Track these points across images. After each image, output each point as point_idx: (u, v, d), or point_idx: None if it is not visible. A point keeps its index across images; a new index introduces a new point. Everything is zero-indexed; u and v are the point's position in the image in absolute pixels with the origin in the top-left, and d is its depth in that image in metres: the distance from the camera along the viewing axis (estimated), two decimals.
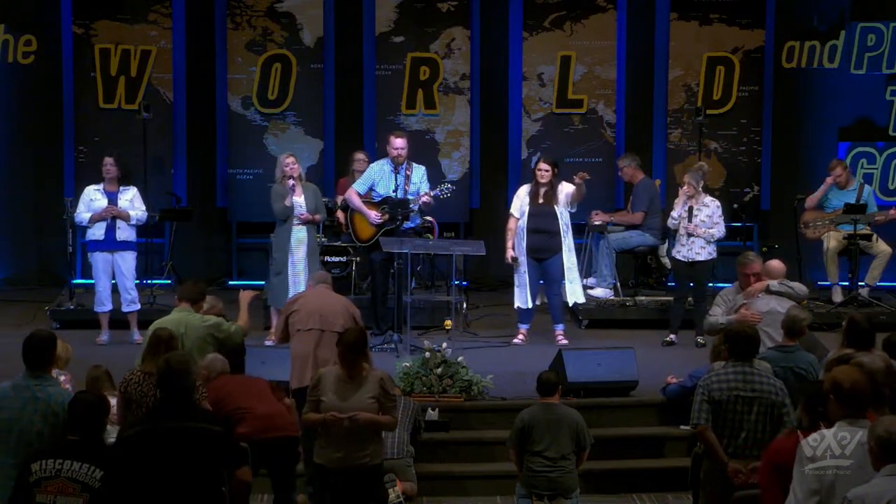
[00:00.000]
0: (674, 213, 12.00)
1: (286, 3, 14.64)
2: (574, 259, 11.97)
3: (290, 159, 11.82)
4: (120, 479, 5.95)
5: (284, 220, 11.75)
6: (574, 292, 11.93)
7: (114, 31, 14.46)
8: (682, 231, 11.92)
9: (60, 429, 6.42)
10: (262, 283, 12.86)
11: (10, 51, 14.64)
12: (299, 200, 11.73)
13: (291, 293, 11.43)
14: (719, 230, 11.94)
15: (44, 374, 6.62)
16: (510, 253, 11.93)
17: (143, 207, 12.10)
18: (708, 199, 12.06)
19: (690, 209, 11.89)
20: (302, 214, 11.69)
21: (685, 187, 12.00)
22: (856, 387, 5.76)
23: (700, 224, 11.87)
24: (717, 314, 9.66)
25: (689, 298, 12.18)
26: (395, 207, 11.76)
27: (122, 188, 12.01)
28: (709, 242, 11.90)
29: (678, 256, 12.03)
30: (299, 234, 11.73)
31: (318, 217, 11.85)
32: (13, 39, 14.62)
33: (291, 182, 11.67)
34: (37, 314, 12.97)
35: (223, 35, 14.74)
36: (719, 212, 11.98)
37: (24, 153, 14.83)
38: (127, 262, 11.93)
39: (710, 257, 11.98)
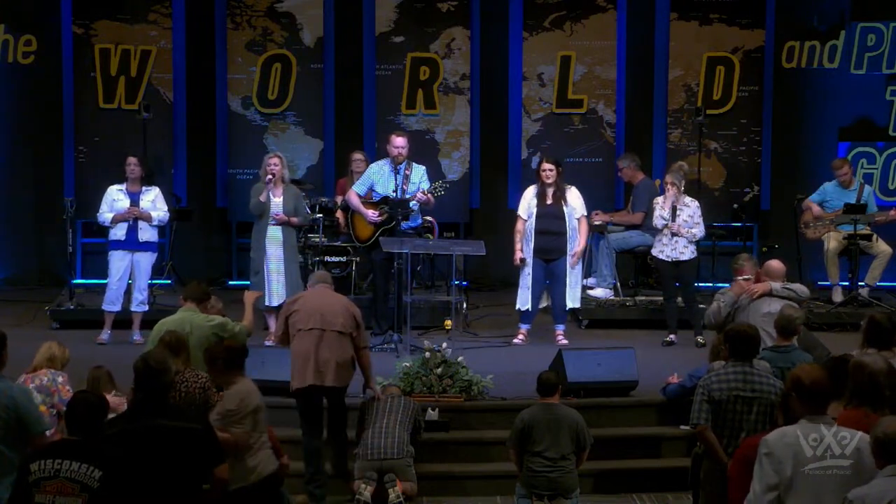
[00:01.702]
0: (664, 214, 11.99)
1: (286, 3, 14.64)
2: (579, 265, 11.95)
3: (274, 160, 11.87)
4: (119, 479, 5.95)
5: (259, 216, 11.78)
6: (571, 296, 11.92)
7: (114, 31, 14.47)
8: (665, 231, 11.95)
9: (13, 424, 6.55)
10: None
11: (10, 51, 14.65)
12: (277, 201, 11.75)
13: (267, 292, 11.54)
14: (700, 230, 11.98)
15: None
16: (518, 255, 11.92)
17: (165, 208, 12.15)
18: (688, 199, 12.10)
19: (674, 208, 11.92)
20: (277, 214, 11.72)
21: (669, 187, 12.02)
22: (816, 384, 5.79)
23: (682, 224, 11.90)
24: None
25: (679, 299, 12.19)
26: (394, 207, 11.76)
27: (144, 188, 12.05)
28: (691, 242, 11.93)
29: (661, 256, 12.06)
30: (273, 234, 11.75)
31: (294, 220, 11.84)
32: (13, 39, 14.63)
33: (269, 178, 11.70)
34: (37, 314, 12.98)
35: (223, 35, 14.75)
36: (699, 212, 12.02)
37: (24, 153, 14.84)
38: (147, 262, 12.00)
39: (693, 256, 12.03)
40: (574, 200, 11.90)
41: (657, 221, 12.07)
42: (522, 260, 11.90)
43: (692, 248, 12.01)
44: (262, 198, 11.73)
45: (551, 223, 11.84)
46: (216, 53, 14.85)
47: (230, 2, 14.63)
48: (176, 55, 14.69)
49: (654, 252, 12.17)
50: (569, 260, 11.83)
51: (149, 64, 14.52)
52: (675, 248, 11.96)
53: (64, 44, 14.66)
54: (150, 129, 14.03)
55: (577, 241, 11.85)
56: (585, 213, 12.01)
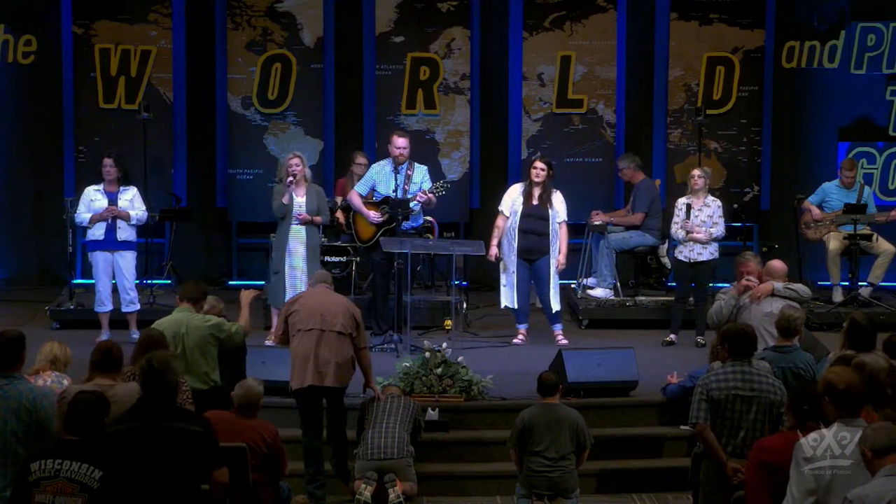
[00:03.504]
0: (680, 224, 11.95)
1: (286, 3, 14.63)
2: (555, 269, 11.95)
3: (295, 160, 11.81)
4: (119, 479, 5.95)
5: (282, 218, 11.75)
6: (555, 299, 11.90)
7: (114, 31, 14.46)
8: (682, 231, 11.94)
9: (34, 426, 6.51)
10: (262, 283, 12.88)
11: (10, 51, 14.64)
12: (300, 200, 11.73)
13: (289, 293, 11.45)
14: (719, 230, 11.96)
15: (12, 373, 6.65)
16: (493, 251, 11.91)
17: (143, 207, 12.11)
18: (709, 198, 12.09)
19: (689, 207, 11.91)
20: (300, 214, 11.69)
21: (697, 179, 11.97)
22: (850, 387, 5.78)
23: (700, 224, 11.88)
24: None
25: (690, 299, 12.19)
26: (395, 207, 11.76)
27: (121, 188, 12.02)
28: (709, 242, 11.92)
29: (680, 257, 12.04)
30: (297, 234, 11.71)
31: (317, 219, 11.82)
32: (13, 39, 14.62)
33: (290, 180, 11.67)
34: (37, 314, 12.98)
35: (223, 35, 14.74)
36: (720, 212, 12.01)
37: (24, 153, 14.83)
38: (127, 261, 11.94)
39: (712, 257, 12.00)
40: (558, 205, 11.89)
41: (674, 234, 12.03)
42: (499, 258, 11.90)
43: (711, 248, 11.96)
44: (285, 199, 11.70)
45: (536, 224, 11.83)
46: (216, 53, 14.84)
47: (230, 2, 14.62)
48: (176, 55, 14.68)
49: (675, 252, 12.16)
50: (553, 265, 11.81)
51: (149, 64, 14.51)
52: (693, 249, 11.94)
53: (64, 44, 14.64)
54: (150, 129, 14.01)
55: (557, 245, 11.84)
56: (566, 219, 11.98)
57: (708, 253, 11.95)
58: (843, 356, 7.25)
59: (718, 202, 12.11)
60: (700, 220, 11.92)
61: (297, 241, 11.72)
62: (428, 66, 14.74)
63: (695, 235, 11.89)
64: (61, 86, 14.72)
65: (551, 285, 11.82)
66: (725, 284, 10.67)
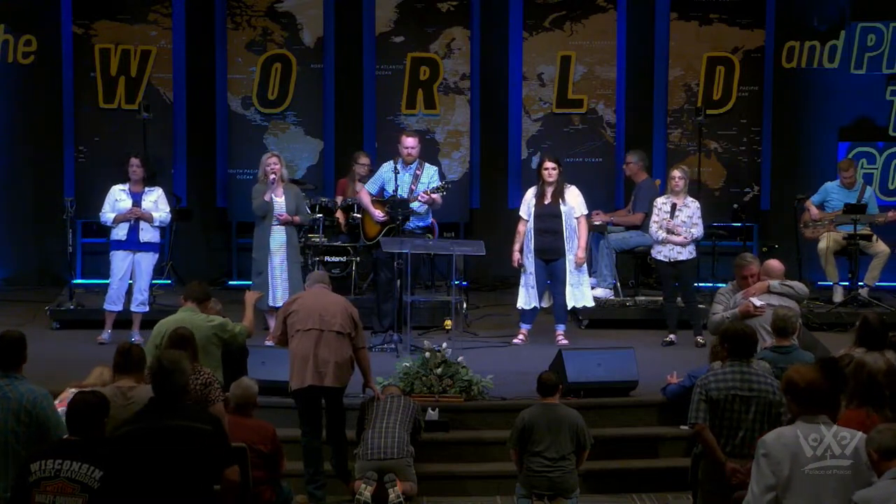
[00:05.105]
0: (661, 224, 11.96)
1: (286, 3, 14.64)
2: (583, 264, 11.95)
3: (273, 159, 11.83)
4: (119, 479, 5.95)
5: (263, 217, 11.77)
6: (573, 295, 11.90)
7: (114, 31, 14.47)
8: (662, 231, 11.96)
9: (34, 427, 6.50)
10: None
11: (10, 51, 14.65)
12: (279, 201, 11.74)
13: (271, 293, 11.52)
14: (698, 230, 11.98)
15: (14, 374, 6.66)
16: (515, 256, 11.91)
17: (167, 209, 12.14)
18: (689, 199, 12.10)
19: (673, 206, 11.93)
20: (281, 215, 11.70)
21: (678, 181, 11.99)
22: (811, 386, 5.80)
23: (681, 224, 11.90)
24: (719, 311, 9.67)
25: (678, 298, 12.19)
26: (394, 207, 11.77)
27: (147, 189, 12.04)
28: (688, 242, 11.95)
29: (659, 257, 12.07)
30: (278, 235, 11.73)
31: (297, 219, 11.83)
32: (13, 39, 14.63)
33: (273, 178, 11.68)
34: (37, 314, 12.98)
35: (223, 35, 14.75)
36: (699, 213, 12.03)
37: (24, 153, 14.84)
38: (148, 262, 11.99)
39: (692, 256, 12.03)
40: (573, 199, 11.90)
41: (654, 233, 12.05)
42: (520, 264, 11.89)
43: (690, 247, 12.01)
44: (266, 198, 11.72)
45: (548, 222, 11.84)
46: (216, 53, 14.85)
47: (230, 2, 14.63)
48: (176, 55, 14.68)
49: (653, 252, 12.19)
50: (570, 262, 11.83)
51: (149, 64, 14.52)
52: (672, 248, 11.96)
53: (64, 44, 14.65)
54: (150, 129, 14.02)
55: (575, 241, 11.85)
56: (586, 213, 12.02)
57: (687, 252, 11.98)
58: (825, 358, 7.27)
59: (697, 203, 12.13)
60: (680, 220, 11.94)
61: (278, 242, 11.74)
62: (428, 66, 14.75)
63: (673, 238, 11.90)
64: (61, 86, 14.73)
65: (568, 283, 11.81)
66: (724, 284, 10.65)
